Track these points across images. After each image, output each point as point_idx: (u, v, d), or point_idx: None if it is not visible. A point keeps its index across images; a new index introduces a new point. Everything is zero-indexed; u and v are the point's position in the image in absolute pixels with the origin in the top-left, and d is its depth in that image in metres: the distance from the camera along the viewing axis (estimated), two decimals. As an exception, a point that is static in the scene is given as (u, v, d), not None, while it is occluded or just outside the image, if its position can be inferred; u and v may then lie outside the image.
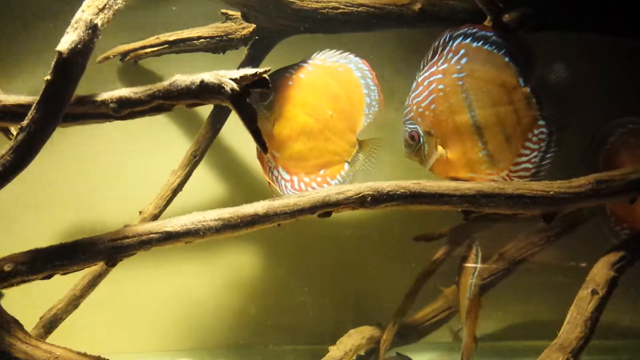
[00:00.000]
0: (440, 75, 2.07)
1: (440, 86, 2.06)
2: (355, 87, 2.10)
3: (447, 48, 2.07)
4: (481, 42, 2.07)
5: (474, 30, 2.07)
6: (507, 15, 2.20)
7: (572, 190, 1.98)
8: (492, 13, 2.16)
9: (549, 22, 2.37)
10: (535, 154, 2.07)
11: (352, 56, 2.11)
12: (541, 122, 2.07)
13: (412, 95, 2.10)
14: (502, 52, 2.07)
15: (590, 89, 2.75)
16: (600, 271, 2.10)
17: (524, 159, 2.08)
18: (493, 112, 2.05)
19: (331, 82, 2.08)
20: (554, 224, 2.18)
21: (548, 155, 2.07)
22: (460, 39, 2.07)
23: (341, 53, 2.10)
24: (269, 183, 2.04)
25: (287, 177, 2.05)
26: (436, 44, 2.09)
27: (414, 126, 2.10)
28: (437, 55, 2.08)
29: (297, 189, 2.04)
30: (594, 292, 2.03)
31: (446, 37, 2.08)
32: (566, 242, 2.65)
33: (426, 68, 2.09)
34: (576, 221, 2.56)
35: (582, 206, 2.04)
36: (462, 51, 2.06)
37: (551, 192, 1.95)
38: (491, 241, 2.63)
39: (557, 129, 2.08)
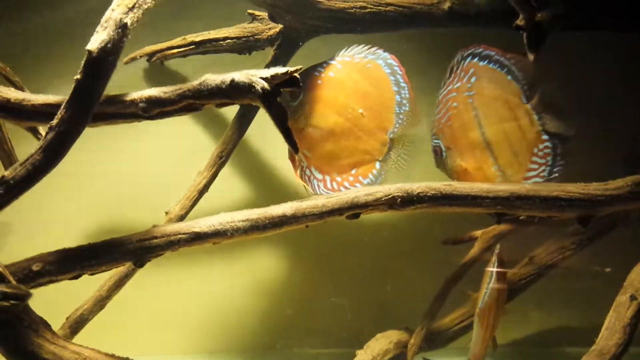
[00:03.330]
0: (454, 94, 2.16)
1: (455, 104, 2.15)
2: (385, 84, 2.06)
3: (460, 67, 2.16)
4: (486, 61, 2.15)
5: (480, 50, 2.15)
6: (540, 14, 2.16)
7: (609, 192, 1.92)
8: (525, 12, 2.12)
9: (582, 21, 2.32)
10: (543, 167, 2.12)
11: (380, 51, 2.08)
12: (545, 137, 2.13)
13: (435, 111, 2.20)
14: (505, 70, 2.14)
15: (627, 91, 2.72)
16: (639, 276, 2.04)
17: (533, 173, 2.12)
18: (500, 128, 2.13)
19: (360, 80, 2.05)
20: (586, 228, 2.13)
21: (555, 169, 2.11)
22: (470, 58, 2.16)
23: (369, 48, 2.07)
24: (305, 186, 2.01)
25: (319, 176, 2.03)
26: (452, 63, 2.17)
27: (437, 141, 2.20)
28: (452, 74, 2.17)
29: (330, 188, 2.02)
30: (632, 298, 1.97)
31: (459, 57, 2.17)
32: (595, 247, 2.60)
33: (445, 86, 2.17)
34: (610, 225, 2.49)
35: (620, 209, 1.98)
36: (471, 70, 2.15)
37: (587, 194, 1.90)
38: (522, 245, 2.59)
39: (561, 143, 2.13)
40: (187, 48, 2.67)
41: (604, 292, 2.12)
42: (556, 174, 2.09)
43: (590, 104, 2.74)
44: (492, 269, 2.28)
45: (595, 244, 2.57)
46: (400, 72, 2.07)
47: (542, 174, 2.11)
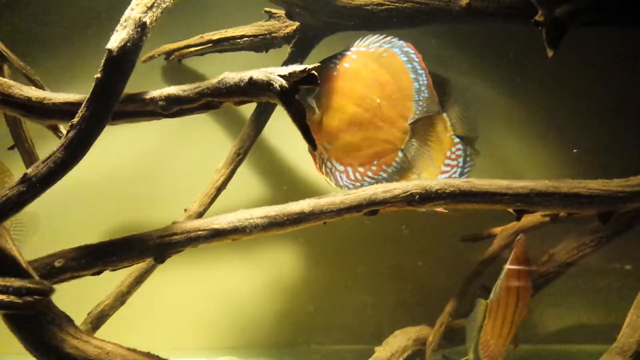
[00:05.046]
0: None
1: None
2: (402, 72, 2.06)
3: None
4: None
5: None
6: (559, 10, 2.14)
7: (631, 188, 1.89)
8: (543, 7, 2.10)
9: (603, 16, 2.29)
10: (455, 169, 2.23)
11: (395, 40, 2.07)
12: (457, 140, 2.24)
13: None
14: None
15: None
16: (660, 272, 2.02)
17: (446, 175, 2.22)
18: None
19: (377, 69, 2.04)
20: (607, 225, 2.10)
21: (466, 170, 2.23)
22: None
23: (385, 37, 2.06)
24: (327, 180, 2.01)
25: (341, 168, 2.03)
26: None
27: None
28: None
29: (353, 179, 2.02)
30: (654, 294, 1.95)
31: None
32: (615, 244, 2.57)
33: None
34: (631, 222, 2.46)
35: (642, 206, 1.96)
36: None
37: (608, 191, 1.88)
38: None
39: (469, 146, 2.27)
40: (204, 46, 2.68)
41: (625, 289, 2.10)
42: (466, 175, 2.24)
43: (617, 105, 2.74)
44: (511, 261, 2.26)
45: (615, 241, 2.54)
46: (417, 59, 2.06)
47: (453, 175, 2.22)
